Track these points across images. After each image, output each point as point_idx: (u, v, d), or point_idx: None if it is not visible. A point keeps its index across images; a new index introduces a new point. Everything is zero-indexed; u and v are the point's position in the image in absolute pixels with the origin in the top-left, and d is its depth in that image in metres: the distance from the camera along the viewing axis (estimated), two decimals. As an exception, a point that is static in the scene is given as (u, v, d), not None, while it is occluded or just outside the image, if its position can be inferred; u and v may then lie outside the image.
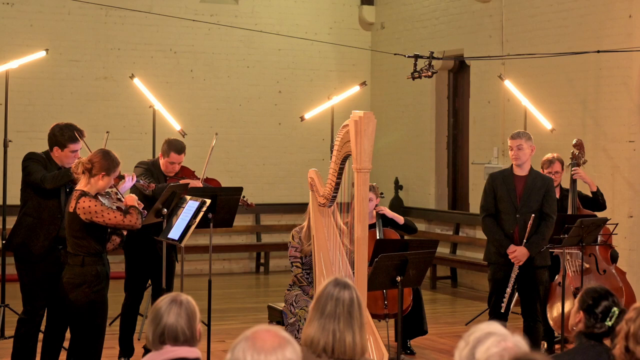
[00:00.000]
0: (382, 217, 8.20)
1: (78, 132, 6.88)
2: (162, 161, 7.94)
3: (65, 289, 6.09)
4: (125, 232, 6.33)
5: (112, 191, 6.30)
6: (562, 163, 8.46)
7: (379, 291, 7.57)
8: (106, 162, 6.06)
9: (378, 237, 8.01)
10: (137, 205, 6.18)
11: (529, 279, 7.58)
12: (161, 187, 7.48)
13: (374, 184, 8.40)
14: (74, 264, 6.08)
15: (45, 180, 6.75)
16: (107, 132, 8.95)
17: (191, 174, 8.19)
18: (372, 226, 8.12)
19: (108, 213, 5.97)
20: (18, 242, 6.94)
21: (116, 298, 8.47)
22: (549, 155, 8.52)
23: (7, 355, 7.20)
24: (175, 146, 7.94)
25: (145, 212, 6.50)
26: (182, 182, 7.66)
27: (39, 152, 7.00)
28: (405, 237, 8.35)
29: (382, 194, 8.55)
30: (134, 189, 7.44)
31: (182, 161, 7.97)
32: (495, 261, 7.68)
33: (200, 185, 7.82)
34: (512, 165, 7.77)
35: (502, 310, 7.51)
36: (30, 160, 6.92)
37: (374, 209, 8.17)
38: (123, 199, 6.32)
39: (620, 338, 3.55)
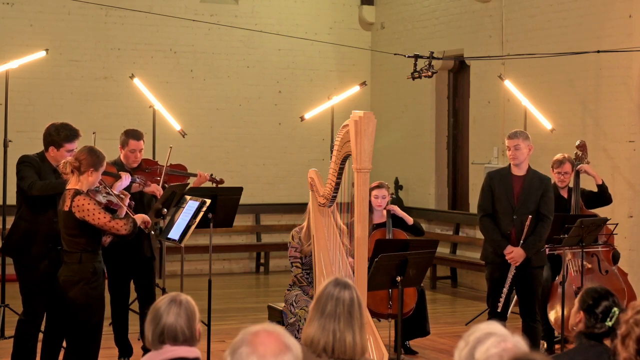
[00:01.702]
0: (392, 216, 8.20)
1: (73, 132, 6.83)
2: (122, 154, 7.84)
3: (63, 287, 6.11)
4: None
5: (101, 186, 6.32)
6: (572, 164, 8.43)
7: (385, 291, 7.57)
8: (93, 158, 6.12)
9: (388, 237, 8.01)
10: (138, 222, 6.24)
11: (526, 279, 7.57)
12: None
13: (386, 182, 8.41)
14: (71, 261, 6.10)
15: (33, 187, 6.70)
16: (93, 132, 8.93)
17: (154, 164, 8.12)
18: (382, 225, 8.14)
19: (99, 213, 6.01)
20: (15, 246, 6.91)
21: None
22: (559, 156, 8.49)
23: (7, 355, 7.20)
24: (133, 134, 7.85)
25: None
26: (147, 190, 7.66)
27: (35, 153, 6.95)
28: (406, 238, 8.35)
29: (393, 194, 8.52)
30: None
31: (142, 148, 7.87)
32: (492, 261, 7.67)
33: (160, 191, 7.71)
34: (509, 164, 7.75)
35: (499, 310, 7.51)
36: (22, 164, 6.87)
37: (385, 207, 8.17)
38: (112, 193, 6.36)
39: (631, 340, 3.47)
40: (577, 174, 8.49)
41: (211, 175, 8.34)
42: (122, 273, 7.75)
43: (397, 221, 8.22)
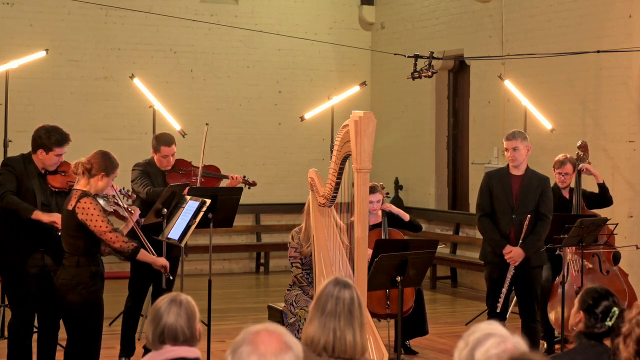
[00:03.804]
0: (388, 215, 8.19)
1: (64, 136, 6.72)
2: (155, 157, 7.96)
3: (60, 290, 6.05)
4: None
5: (109, 195, 6.29)
6: (573, 164, 8.42)
7: (382, 291, 7.57)
8: (105, 163, 6.04)
9: (383, 237, 8.01)
10: (157, 265, 6.26)
11: (525, 279, 7.57)
12: (157, 192, 7.54)
13: (381, 183, 8.40)
14: (69, 264, 6.04)
15: (3, 198, 6.63)
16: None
17: (188, 165, 8.20)
18: (378, 225, 8.14)
19: (102, 221, 5.91)
20: None
21: (117, 298, 8.49)
22: (560, 156, 8.48)
23: (6, 355, 7.19)
24: (164, 140, 7.96)
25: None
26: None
27: (21, 153, 6.87)
28: (406, 237, 8.34)
29: (387, 193, 8.53)
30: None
31: (175, 152, 7.99)
32: (491, 261, 7.67)
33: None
34: (508, 164, 7.75)
35: (498, 310, 7.51)
36: (4, 167, 6.81)
37: (379, 208, 8.17)
38: (122, 204, 6.35)
39: (631, 341, 3.47)
40: (579, 174, 8.49)
41: (244, 177, 8.42)
42: (144, 276, 7.75)
43: (393, 220, 8.22)
